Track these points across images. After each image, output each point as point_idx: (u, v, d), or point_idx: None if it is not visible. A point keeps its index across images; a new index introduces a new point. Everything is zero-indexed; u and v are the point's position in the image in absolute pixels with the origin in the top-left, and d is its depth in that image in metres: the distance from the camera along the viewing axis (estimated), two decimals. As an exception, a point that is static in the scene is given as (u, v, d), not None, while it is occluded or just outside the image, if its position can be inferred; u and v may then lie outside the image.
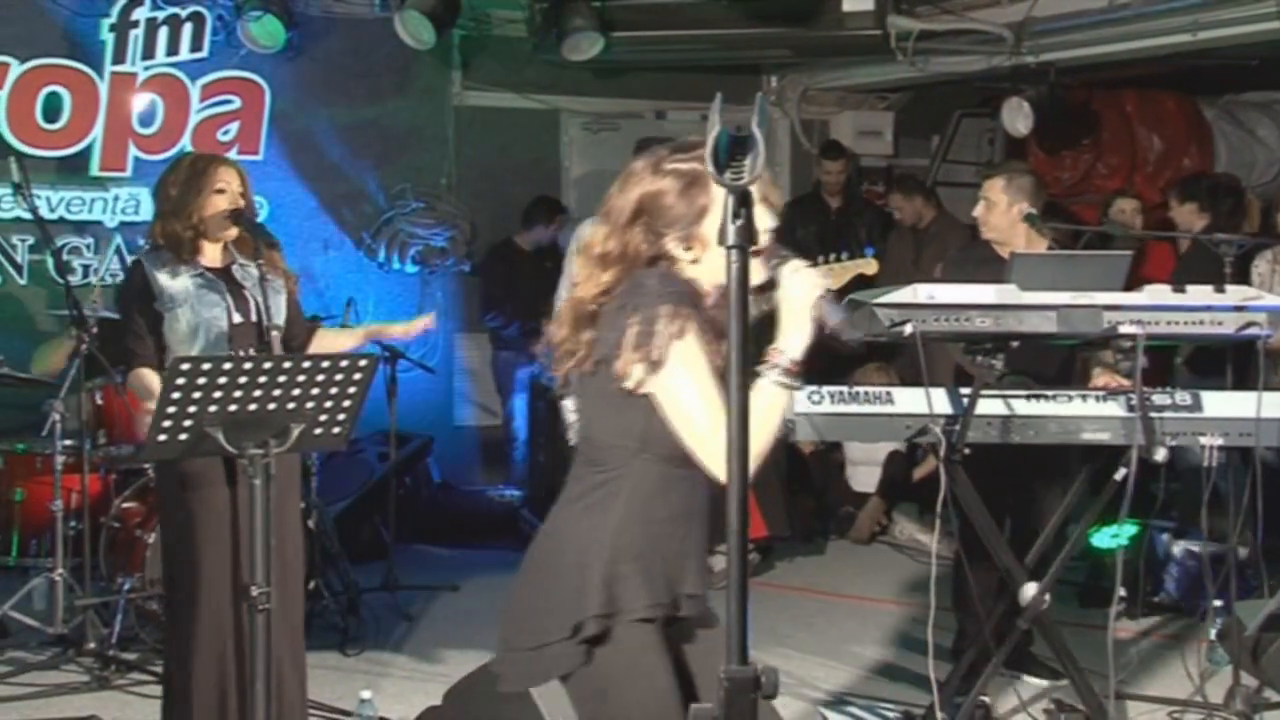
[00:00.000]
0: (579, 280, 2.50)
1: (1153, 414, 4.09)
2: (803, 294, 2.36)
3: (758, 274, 2.37)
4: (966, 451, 4.03)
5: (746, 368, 1.90)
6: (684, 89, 8.22)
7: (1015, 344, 4.11)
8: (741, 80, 8.33)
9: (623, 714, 2.43)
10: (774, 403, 2.34)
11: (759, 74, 8.75)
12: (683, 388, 2.34)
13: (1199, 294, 4.23)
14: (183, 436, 3.14)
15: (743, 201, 1.71)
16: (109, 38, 7.05)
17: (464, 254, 8.01)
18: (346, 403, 3.28)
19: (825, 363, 6.79)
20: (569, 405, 2.72)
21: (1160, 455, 4.11)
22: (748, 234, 1.72)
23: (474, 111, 8.06)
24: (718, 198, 2.28)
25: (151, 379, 3.83)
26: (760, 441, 2.25)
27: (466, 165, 8.03)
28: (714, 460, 2.31)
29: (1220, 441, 4.18)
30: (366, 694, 4.03)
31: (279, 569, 3.47)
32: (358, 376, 3.26)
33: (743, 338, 1.73)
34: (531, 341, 6.11)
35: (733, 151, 1.72)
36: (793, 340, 2.36)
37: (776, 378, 2.33)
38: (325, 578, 5.52)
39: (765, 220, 2.38)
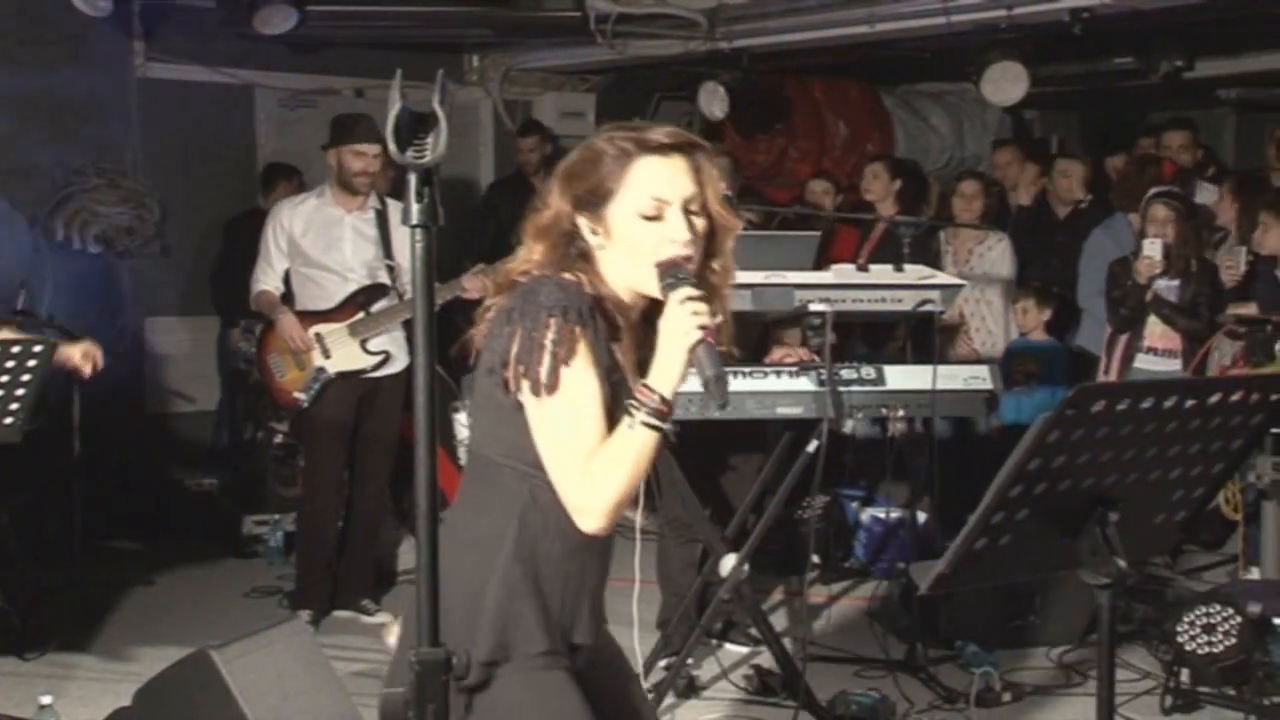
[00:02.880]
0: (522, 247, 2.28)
1: (840, 388, 4.29)
2: (682, 330, 2.08)
3: (650, 286, 2.17)
4: (669, 428, 4.12)
5: (431, 355, 1.80)
6: (384, 67, 8.01)
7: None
8: (443, 58, 8.22)
9: None
10: (642, 444, 2.10)
11: (460, 53, 8.68)
12: (558, 420, 2.12)
13: (880, 273, 4.48)
14: None
15: (425, 180, 1.69)
16: None
17: (153, 234, 7.62)
18: (19, 391, 3.09)
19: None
20: (461, 420, 2.53)
21: (848, 427, 4.33)
22: (431, 215, 1.69)
23: (159, 84, 7.66)
24: (632, 183, 2.18)
25: None
26: (625, 485, 2.11)
27: (153, 141, 7.63)
28: (579, 504, 2.13)
29: (901, 413, 4.43)
30: (46, 699, 3.79)
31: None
32: (31, 363, 3.07)
33: (429, 323, 1.69)
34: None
35: (415, 129, 1.70)
36: (663, 378, 2.10)
37: (644, 418, 2.09)
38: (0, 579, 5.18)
39: (679, 228, 2.16)
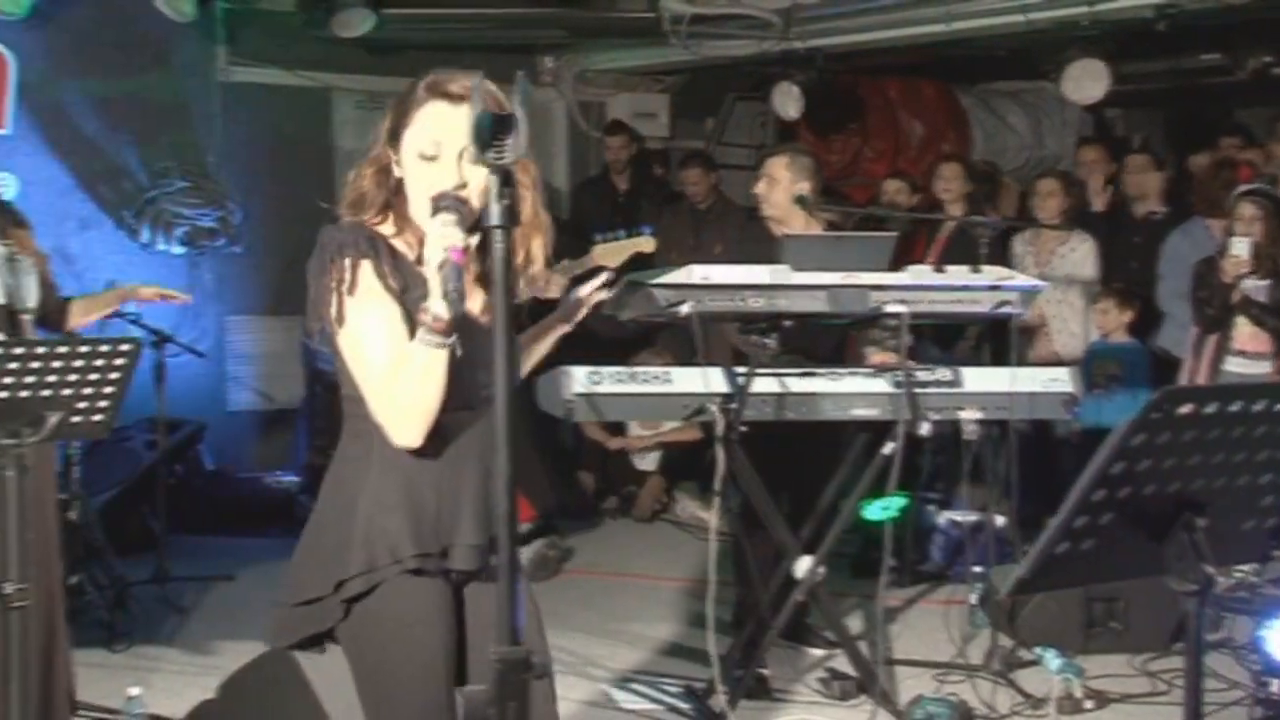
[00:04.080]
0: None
1: (917, 390, 4.25)
2: (434, 249, 2.21)
3: (426, 221, 2.29)
4: (743, 429, 4.12)
5: (511, 344, 1.86)
6: (459, 68, 8.10)
7: (789, 323, 4.22)
8: (516, 60, 8.27)
9: (383, 671, 2.38)
10: (426, 359, 2.24)
11: (534, 54, 8.73)
12: (352, 348, 2.32)
13: (957, 274, 4.43)
14: (-76, 427, 2.95)
15: (505, 181, 1.70)
16: None
17: (234, 235, 7.75)
18: (108, 389, 3.14)
19: (603, 346, 6.87)
20: None
21: (924, 429, 4.29)
22: (511, 216, 1.70)
23: (241, 88, 7.79)
24: (419, 122, 2.33)
25: None
26: (419, 398, 2.25)
27: (234, 143, 7.76)
28: (387, 418, 2.29)
29: (979, 415, 4.38)
30: (135, 690, 3.88)
31: (34, 567, 3.30)
32: (120, 361, 3.12)
33: (508, 323, 1.70)
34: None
35: (495, 131, 1.71)
36: (433, 296, 2.23)
37: (422, 337, 2.23)
38: (89, 572, 5.29)
39: (451, 175, 2.30)
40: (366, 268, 2.30)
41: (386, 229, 2.39)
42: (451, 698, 2.33)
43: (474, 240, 2.25)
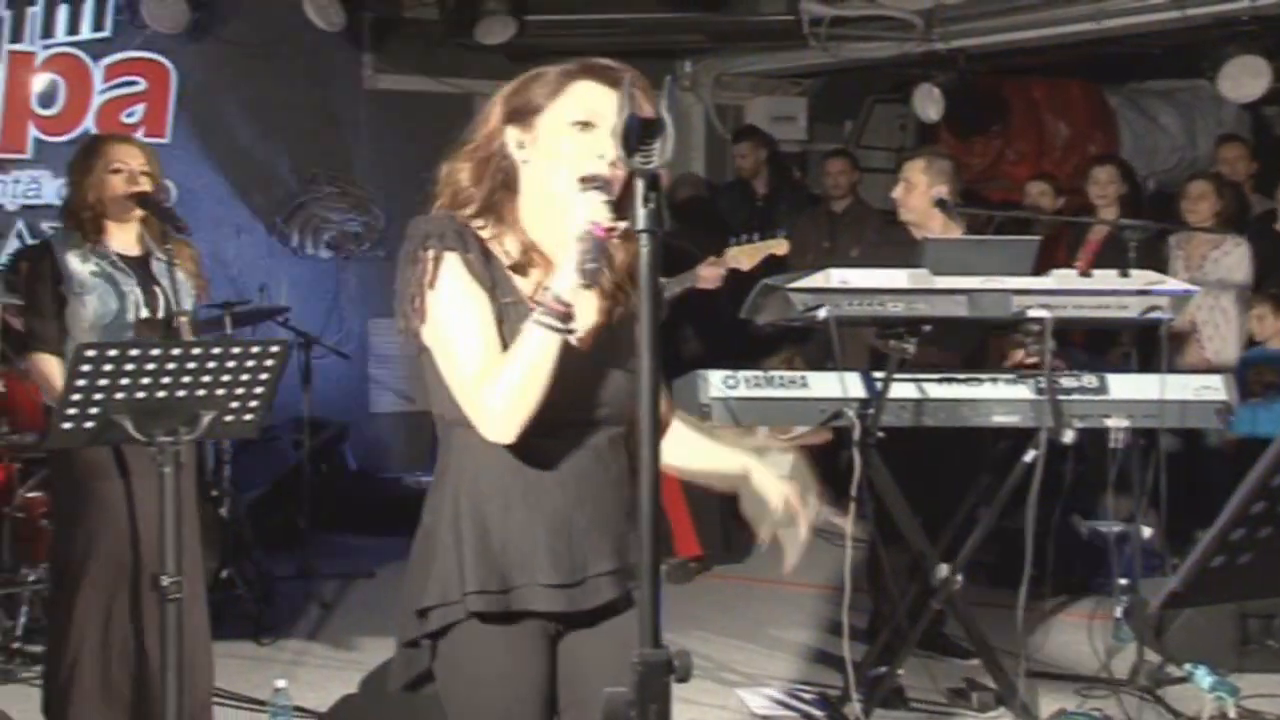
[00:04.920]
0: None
1: (1060, 397, 4.16)
2: (579, 221, 2.03)
3: (566, 198, 2.12)
4: (880, 435, 4.07)
5: (655, 355, 1.74)
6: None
7: (928, 328, 4.16)
8: (655, 64, 8.30)
9: (458, 715, 2.22)
10: (538, 344, 2.04)
11: (672, 59, 8.75)
12: (445, 341, 2.12)
13: (1104, 278, 4.32)
14: (89, 424, 3.07)
15: (652, 186, 1.70)
16: (5, 14, 6.86)
17: (378, 238, 7.93)
18: (258, 389, 3.23)
19: (741, 348, 6.83)
20: None
21: (1068, 437, 4.19)
22: (657, 220, 1.70)
23: (385, 95, 7.97)
24: (570, 95, 2.16)
25: (52, 371, 3.75)
26: (523, 387, 2.04)
27: (379, 149, 7.94)
28: (482, 418, 2.08)
29: (1125, 424, 4.27)
30: (281, 683, 3.99)
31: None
32: (269, 363, 3.21)
33: (654, 327, 1.70)
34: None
35: (643, 134, 1.72)
36: (561, 276, 2.05)
37: (538, 317, 2.04)
38: (238, 566, 5.45)
39: (608, 145, 1.98)
40: (454, 259, 2.13)
41: (485, 232, 2.20)
42: None
43: (621, 226, 2.03)
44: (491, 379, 2.07)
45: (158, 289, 3.87)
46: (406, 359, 7.97)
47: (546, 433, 2.11)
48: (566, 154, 2.15)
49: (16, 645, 4.87)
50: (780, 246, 4.67)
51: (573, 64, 2.20)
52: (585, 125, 2.15)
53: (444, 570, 2.15)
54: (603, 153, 2.10)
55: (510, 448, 2.12)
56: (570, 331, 2.05)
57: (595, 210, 2.03)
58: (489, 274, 2.15)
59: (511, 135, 2.20)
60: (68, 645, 3.71)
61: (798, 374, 4.19)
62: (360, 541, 6.93)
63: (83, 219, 3.84)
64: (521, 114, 2.19)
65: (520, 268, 2.19)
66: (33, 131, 6.98)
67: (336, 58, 7.81)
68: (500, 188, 2.21)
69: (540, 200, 2.19)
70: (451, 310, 2.11)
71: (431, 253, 2.12)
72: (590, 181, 2.08)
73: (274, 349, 3.22)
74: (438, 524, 2.18)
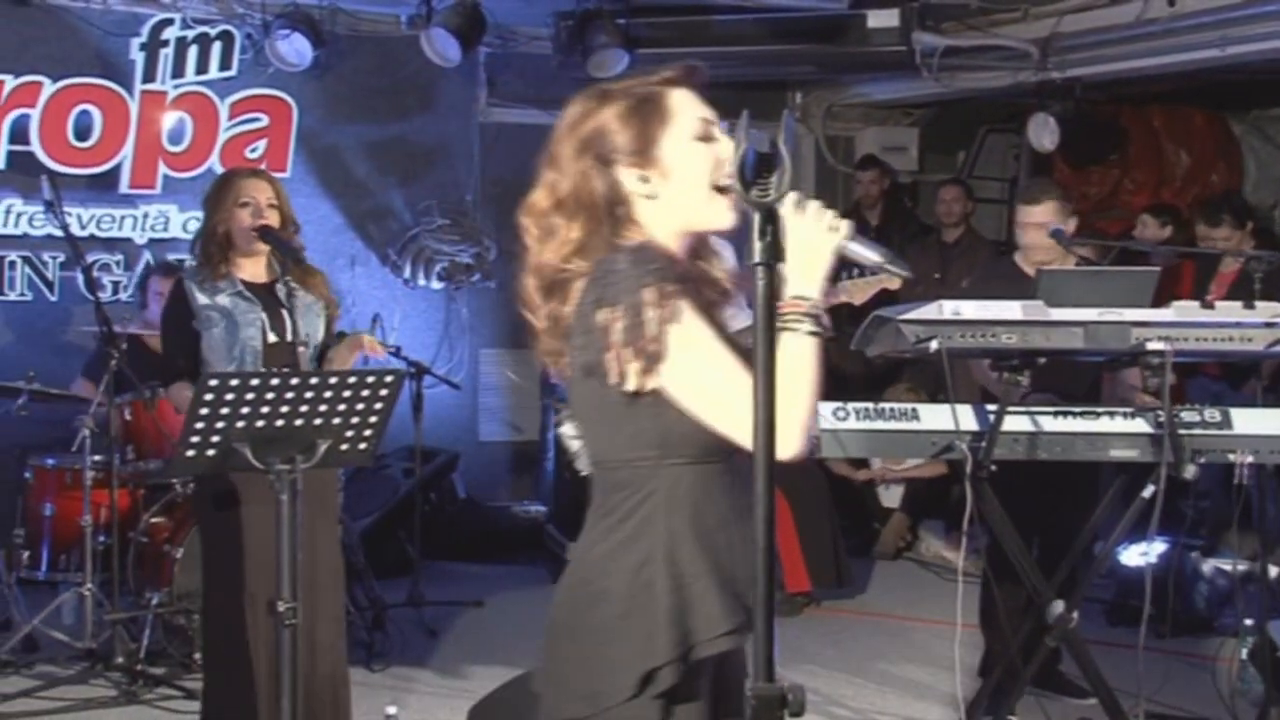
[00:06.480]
0: (533, 244, 2.17)
1: (1181, 431, 4.06)
2: (812, 230, 2.00)
3: (710, 216, 2.13)
4: (993, 468, 4.01)
5: (770, 387, 1.75)
6: (710, 105, 8.20)
7: (1043, 360, 4.09)
8: (767, 96, 8.33)
9: None
10: (810, 352, 2.00)
11: (784, 90, 8.75)
12: (697, 372, 2.02)
13: (1228, 310, 4.20)
14: (210, 452, 3.15)
15: (768, 219, 1.70)
16: (139, 57, 7.13)
17: (488, 270, 8.03)
18: (372, 418, 3.29)
19: (856, 381, 6.75)
20: (568, 431, 2.41)
21: (1189, 473, 4.08)
22: (773, 253, 1.70)
23: (499, 128, 8.08)
24: (678, 112, 2.13)
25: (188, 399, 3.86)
26: (808, 398, 2.00)
27: (491, 182, 8.05)
28: (782, 439, 1.93)
29: (1250, 459, 4.14)
30: (392, 709, 4.04)
31: (309, 587, 3.48)
32: (384, 393, 3.27)
33: (769, 361, 1.69)
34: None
35: (759, 169, 1.72)
36: (809, 283, 2.02)
37: (810, 328, 2.00)
38: (351, 594, 5.53)
39: (727, 144, 2.03)
40: (685, 295, 2.05)
41: None
42: None
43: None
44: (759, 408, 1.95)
45: (284, 314, 3.97)
46: (514, 388, 8.12)
47: (724, 457, 2.10)
48: (701, 173, 2.13)
49: (140, 667, 5.00)
50: (893, 282, 4.61)
51: (645, 83, 2.17)
52: (708, 139, 2.15)
53: (679, 611, 2.05)
54: (727, 154, 2.05)
55: (709, 475, 2.09)
56: (829, 332, 2.03)
57: (824, 212, 2.02)
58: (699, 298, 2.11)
59: (628, 175, 2.13)
60: (226, 671, 3.80)
61: (909, 405, 4.15)
62: (469, 569, 7.01)
63: (210, 251, 3.97)
64: (633, 151, 2.12)
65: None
66: (162, 168, 7.22)
67: (451, 91, 7.95)
68: (616, 231, 2.13)
69: (678, 223, 2.15)
70: (699, 349, 2.03)
71: (665, 291, 2.01)
72: (726, 190, 2.08)
73: (388, 379, 3.28)
74: (644, 573, 2.06)
